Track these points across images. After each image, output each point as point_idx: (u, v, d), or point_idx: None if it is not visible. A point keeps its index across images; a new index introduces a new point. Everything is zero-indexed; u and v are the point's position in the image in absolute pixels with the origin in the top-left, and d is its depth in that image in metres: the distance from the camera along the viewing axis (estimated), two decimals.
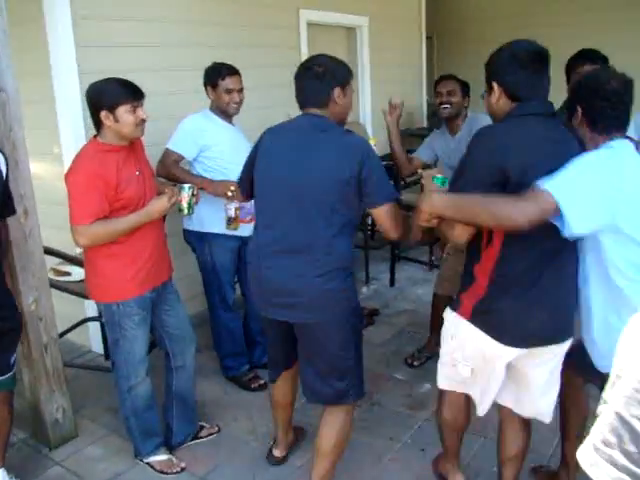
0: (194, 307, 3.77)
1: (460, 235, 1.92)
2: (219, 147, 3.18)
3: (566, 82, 3.02)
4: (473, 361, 2.08)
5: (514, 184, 1.80)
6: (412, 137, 6.17)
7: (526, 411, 2.20)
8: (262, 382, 3.37)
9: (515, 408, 2.21)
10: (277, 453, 2.75)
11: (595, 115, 1.90)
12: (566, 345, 2.03)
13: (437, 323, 3.45)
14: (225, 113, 3.22)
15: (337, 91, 2.19)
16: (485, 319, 1.98)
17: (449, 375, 2.23)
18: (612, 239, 1.82)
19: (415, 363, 3.60)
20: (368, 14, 5.81)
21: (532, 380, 2.10)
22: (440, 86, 3.34)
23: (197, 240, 3.30)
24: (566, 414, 2.36)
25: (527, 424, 2.26)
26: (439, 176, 2.12)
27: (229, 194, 3.06)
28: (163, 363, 2.79)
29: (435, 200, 1.89)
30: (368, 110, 6.03)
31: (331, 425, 2.34)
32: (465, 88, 3.37)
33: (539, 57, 1.94)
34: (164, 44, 3.89)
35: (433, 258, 5.11)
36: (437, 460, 2.63)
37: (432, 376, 3.41)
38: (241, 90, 3.22)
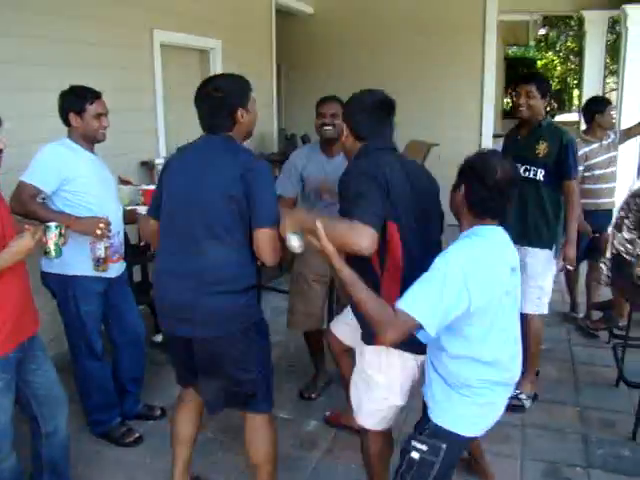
0: (51, 349, 3.35)
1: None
2: (83, 179, 2.88)
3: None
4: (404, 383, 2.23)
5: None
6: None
7: None
8: (137, 435, 3.10)
9: None
10: None
11: (475, 200, 1.95)
12: None
13: (320, 357, 3.52)
14: (93, 140, 2.94)
15: (240, 112, 2.23)
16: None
17: (376, 412, 2.29)
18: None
19: (313, 395, 3.56)
20: (221, 38, 5.76)
21: None
22: (324, 107, 3.22)
23: (58, 285, 2.93)
24: None
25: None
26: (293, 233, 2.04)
27: (98, 232, 2.80)
28: (28, 428, 2.44)
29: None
30: None
31: (254, 436, 2.36)
32: None
33: (382, 105, 2.24)
34: (5, 61, 3.48)
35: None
36: None
37: (317, 412, 3.43)
38: (107, 114, 2.97)
